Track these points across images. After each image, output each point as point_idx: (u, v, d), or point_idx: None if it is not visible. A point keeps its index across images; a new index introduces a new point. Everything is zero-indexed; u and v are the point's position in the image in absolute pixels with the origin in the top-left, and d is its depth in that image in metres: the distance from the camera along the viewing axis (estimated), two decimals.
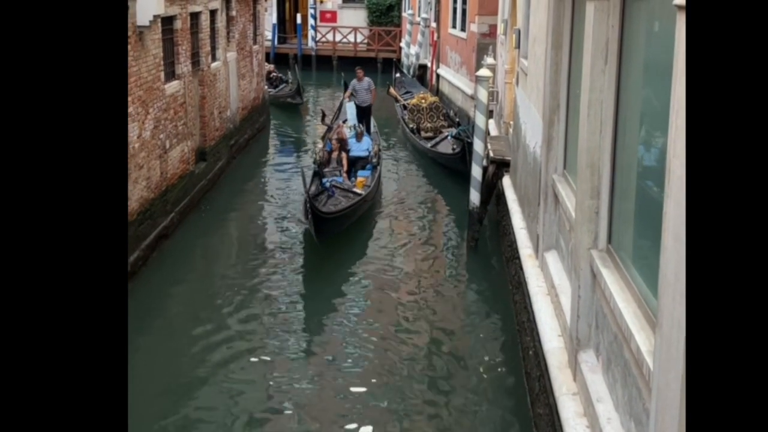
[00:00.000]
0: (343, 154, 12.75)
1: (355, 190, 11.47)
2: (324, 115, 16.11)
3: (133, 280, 8.95)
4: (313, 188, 11.14)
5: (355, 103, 15.56)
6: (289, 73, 22.66)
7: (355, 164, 12.83)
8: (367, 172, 12.55)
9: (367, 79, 15.70)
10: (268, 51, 24.47)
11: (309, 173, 12.06)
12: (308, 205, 9.35)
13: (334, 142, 13.00)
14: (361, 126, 14.33)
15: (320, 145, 13.90)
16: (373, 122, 15.72)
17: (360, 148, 13.21)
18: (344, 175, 12.27)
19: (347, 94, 15.92)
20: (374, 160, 12.95)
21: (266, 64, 24.49)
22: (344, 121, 15.26)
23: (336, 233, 10.16)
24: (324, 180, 11.61)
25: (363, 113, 15.43)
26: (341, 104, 16.75)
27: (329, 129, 14.82)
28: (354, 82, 15.75)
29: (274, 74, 23.23)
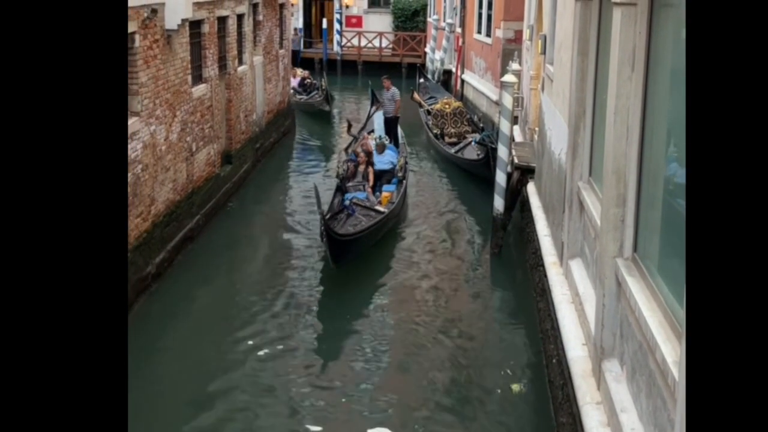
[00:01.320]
0: (370, 168, 12.08)
1: (377, 207, 10.68)
2: (350, 126, 15.56)
3: (158, 282, 9.05)
4: (335, 204, 10.73)
5: (382, 114, 15.15)
6: (322, 80, 22.17)
7: (380, 178, 12.07)
8: (392, 187, 11.78)
9: (393, 89, 15.28)
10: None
11: (330, 189, 11.79)
12: (323, 226, 8.64)
13: (361, 155, 12.33)
14: (385, 138, 13.70)
15: (344, 157, 13.21)
16: (401, 134, 15.16)
17: (382, 160, 12.34)
18: (368, 190, 11.59)
19: (377, 107, 15.33)
20: (400, 174, 12.20)
21: (300, 70, 24.04)
22: (370, 132, 14.76)
23: (355, 257, 9.46)
24: (346, 195, 11.09)
25: (388, 124, 14.93)
26: (369, 115, 16.21)
27: (355, 140, 14.25)
28: (383, 92, 15.40)
29: (308, 80, 22.94)
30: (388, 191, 11.50)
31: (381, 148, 12.53)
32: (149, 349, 7.64)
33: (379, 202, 11.03)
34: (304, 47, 30.61)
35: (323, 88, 20.87)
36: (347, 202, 10.59)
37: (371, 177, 11.93)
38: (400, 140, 14.79)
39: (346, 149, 14.02)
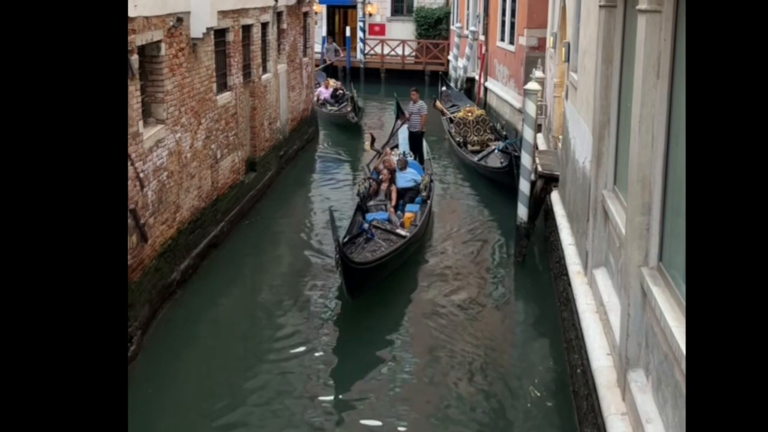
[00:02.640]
0: (393, 187, 11.37)
1: (398, 231, 9.92)
2: (373, 139, 14.73)
3: (182, 288, 9.12)
4: (354, 225, 10.19)
5: (407, 128, 14.67)
6: (353, 90, 21.31)
7: (404, 196, 11.36)
8: (415, 207, 11.06)
9: (420, 102, 14.72)
10: (317, 64, 24.08)
11: (351, 200, 11.52)
12: (339, 254, 7.88)
13: (384, 172, 11.60)
14: (408, 153, 13.13)
15: (366, 174, 12.56)
16: (426, 149, 14.58)
17: (404, 178, 11.62)
18: (391, 210, 10.90)
19: (406, 117, 14.73)
20: (424, 194, 11.47)
21: (333, 81, 23.27)
22: (393, 148, 14.13)
23: (372, 287, 8.69)
24: (367, 215, 10.56)
25: (413, 139, 14.47)
26: (393, 129, 15.55)
27: (378, 154, 13.52)
28: (409, 104, 14.86)
29: (341, 91, 21.99)
30: (410, 211, 10.83)
31: (403, 165, 11.91)
32: (172, 356, 7.70)
33: (402, 224, 10.42)
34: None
35: (354, 97, 20.11)
36: (366, 226, 9.89)
37: (394, 196, 11.25)
38: (426, 156, 14.20)
39: (369, 164, 13.37)
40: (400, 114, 16.66)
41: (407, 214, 10.69)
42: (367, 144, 14.81)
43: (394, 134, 15.28)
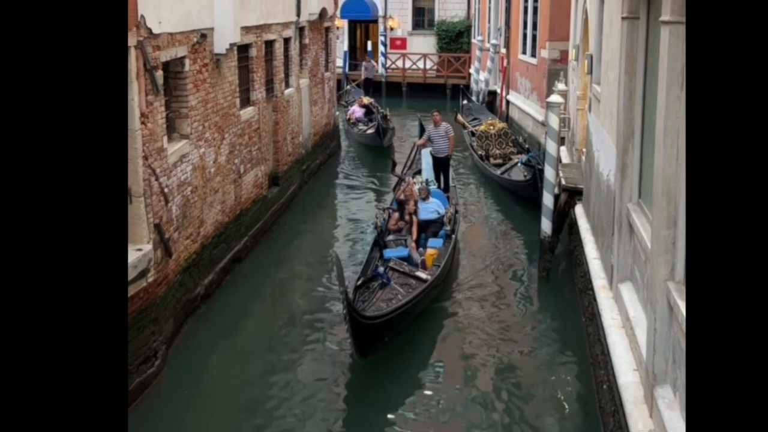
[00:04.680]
0: (414, 219, 10.31)
1: (418, 274, 8.78)
2: (394, 164, 13.72)
3: (207, 302, 9.16)
4: (370, 265, 9.23)
5: (430, 153, 13.44)
6: (385, 109, 20.14)
7: (425, 230, 10.28)
8: (439, 242, 9.86)
9: (444, 125, 13.27)
10: (339, 78, 23.32)
11: (368, 236, 11.04)
12: (346, 308, 6.77)
13: (410, 203, 10.53)
14: (432, 182, 12.28)
15: (385, 204, 11.76)
16: (452, 175, 13.40)
17: (427, 209, 10.45)
18: (412, 245, 9.83)
19: (422, 141, 13.73)
20: (448, 227, 10.33)
21: (368, 98, 21.63)
22: (416, 174, 13.16)
23: (387, 342, 7.66)
24: (385, 253, 9.54)
25: (438, 165, 13.18)
26: (412, 152, 14.56)
27: (400, 181, 12.50)
28: (430, 127, 13.43)
29: (371, 104, 20.69)
30: (433, 248, 9.65)
31: (425, 195, 10.73)
32: (196, 370, 7.73)
33: (423, 262, 9.28)
34: (350, 69, 30.54)
35: (386, 116, 18.50)
36: (381, 269, 8.82)
37: (415, 229, 10.20)
38: (451, 183, 13.03)
39: (394, 188, 12.53)
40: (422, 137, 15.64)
41: (429, 251, 9.55)
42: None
43: (413, 159, 14.45)
